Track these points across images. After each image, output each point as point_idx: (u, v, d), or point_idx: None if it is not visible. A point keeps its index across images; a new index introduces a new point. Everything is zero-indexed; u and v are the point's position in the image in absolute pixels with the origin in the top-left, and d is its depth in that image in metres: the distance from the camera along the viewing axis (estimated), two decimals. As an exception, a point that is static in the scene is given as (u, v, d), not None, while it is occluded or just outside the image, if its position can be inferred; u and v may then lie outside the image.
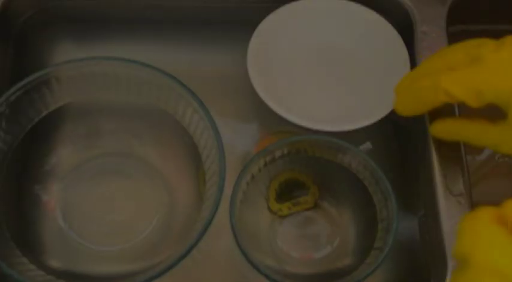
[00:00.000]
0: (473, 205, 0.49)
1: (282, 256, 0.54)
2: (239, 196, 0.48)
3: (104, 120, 0.58)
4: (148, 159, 0.57)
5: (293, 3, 0.56)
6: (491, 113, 0.43)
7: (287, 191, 0.56)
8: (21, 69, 0.57)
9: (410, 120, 0.50)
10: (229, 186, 0.47)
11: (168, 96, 0.51)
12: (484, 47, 0.42)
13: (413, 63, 0.54)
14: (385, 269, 0.53)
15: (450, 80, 0.42)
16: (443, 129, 0.47)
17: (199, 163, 0.52)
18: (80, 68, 0.50)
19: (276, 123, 0.52)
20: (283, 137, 0.50)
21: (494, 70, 0.41)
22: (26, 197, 0.55)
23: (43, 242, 0.54)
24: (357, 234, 0.54)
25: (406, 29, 0.56)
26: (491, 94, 0.41)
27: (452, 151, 0.50)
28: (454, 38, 0.54)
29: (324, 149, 0.50)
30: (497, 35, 0.45)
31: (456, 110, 0.51)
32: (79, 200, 0.55)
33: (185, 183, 0.56)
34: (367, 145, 0.52)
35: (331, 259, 0.53)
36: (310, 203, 0.55)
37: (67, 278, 0.48)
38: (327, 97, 0.55)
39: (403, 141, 0.57)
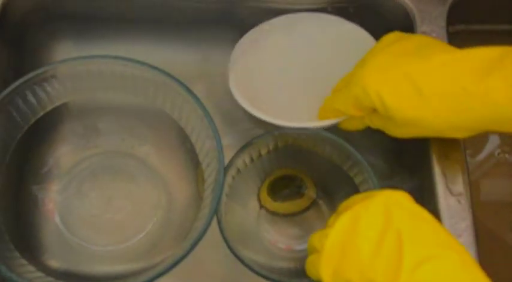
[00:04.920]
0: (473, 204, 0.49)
1: (272, 251, 0.54)
2: (224, 191, 0.48)
3: (103, 120, 0.58)
4: (147, 160, 0.57)
5: (277, 18, 0.57)
6: None
7: (282, 189, 0.56)
8: (20, 69, 0.57)
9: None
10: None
11: (174, 100, 0.51)
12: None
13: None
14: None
15: (339, 102, 0.49)
16: (349, 124, 0.52)
17: (198, 164, 0.51)
18: (86, 66, 0.50)
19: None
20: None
21: (356, 82, 0.47)
22: (24, 197, 0.55)
23: (41, 242, 0.54)
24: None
25: (406, 29, 0.55)
26: (362, 101, 0.46)
27: (452, 151, 0.50)
28: (454, 38, 0.54)
29: (310, 141, 0.51)
30: (497, 35, 0.45)
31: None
32: (77, 200, 0.55)
33: (183, 183, 0.56)
34: None
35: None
36: (306, 203, 0.56)
37: (65, 278, 0.48)
38: (307, 100, 0.55)
39: (403, 141, 0.57)
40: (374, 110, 0.47)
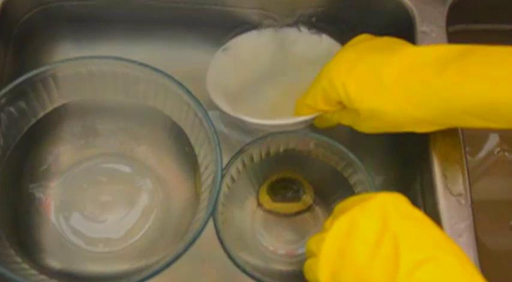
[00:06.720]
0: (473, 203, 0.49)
1: (270, 255, 0.54)
2: (220, 199, 0.48)
3: (102, 121, 0.57)
4: (145, 161, 0.57)
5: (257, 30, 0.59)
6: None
7: (281, 189, 0.56)
8: (21, 69, 0.57)
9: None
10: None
11: (174, 103, 0.51)
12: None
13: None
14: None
15: (308, 97, 0.50)
16: (322, 120, 0.53)
17: (196, 166, 0.51)
18: (87, 67, 0.49)
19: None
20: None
21: (323, 75, 0.48)
22: (21, 196, 0.54)
23: (38, 241, 0.54)
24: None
25: (406, 29, 0.55)
26: (329, 94, 0.48)
27: (452, 151, 0.50)
28: (454, 37, 0.54)
29: (302, 145, 0.51)
30: (497, 34, 0.45)
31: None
32: (75, 200, 0.55)
33: (181, 185, 0.56)
34: None
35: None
36: (303, 207, 0.56)
37: (62, 278, 0.48)
38: (283, 102, 0.57)
39: (403, 142, 0.57)
40: (343, 106, 0.48)
